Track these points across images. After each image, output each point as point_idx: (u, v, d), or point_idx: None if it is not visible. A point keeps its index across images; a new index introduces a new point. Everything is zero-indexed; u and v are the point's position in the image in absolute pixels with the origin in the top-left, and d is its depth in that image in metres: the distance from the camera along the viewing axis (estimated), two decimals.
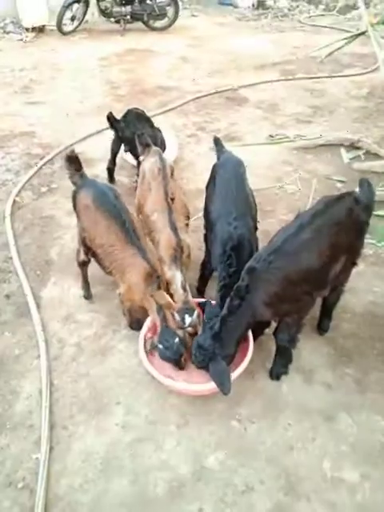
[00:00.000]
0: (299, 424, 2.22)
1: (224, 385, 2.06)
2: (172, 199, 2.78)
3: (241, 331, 2.22)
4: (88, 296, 2.90)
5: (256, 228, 2.77)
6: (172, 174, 2.92)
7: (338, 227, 2.23)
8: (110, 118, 3.68)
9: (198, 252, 3.11)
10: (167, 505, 1.93)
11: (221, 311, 2.23)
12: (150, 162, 2.96)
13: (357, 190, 2.43)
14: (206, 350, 2.14)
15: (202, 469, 2.05)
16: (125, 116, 3.74)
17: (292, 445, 2.14)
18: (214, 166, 2.92)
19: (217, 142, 3.16)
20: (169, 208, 2.72)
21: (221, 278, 2.43)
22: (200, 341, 2.18)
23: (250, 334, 2.40)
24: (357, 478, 2.00)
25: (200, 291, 2.91)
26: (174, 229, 2.66)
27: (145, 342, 2.43)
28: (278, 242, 2.20)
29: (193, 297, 2.60)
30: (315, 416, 2.25)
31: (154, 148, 3.09)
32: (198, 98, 5.68)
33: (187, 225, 2.97)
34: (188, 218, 3.02)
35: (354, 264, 2.45)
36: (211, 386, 2.16)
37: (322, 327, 2.65)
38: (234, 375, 2.25)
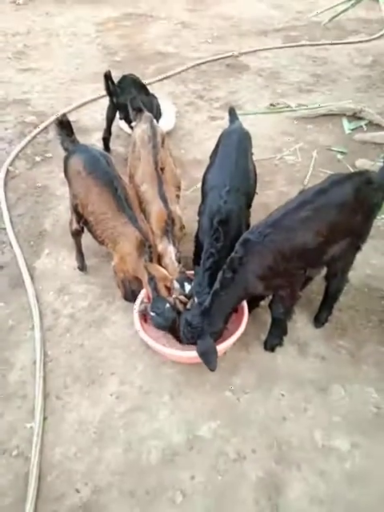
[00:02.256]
0: (292, 395, 2.23)
1: (211, 362, 2.05)
2: (162, 169, 2.69)
3: (232, 305, 2.19)
4: (82, 267, 2.87)
5: (250, 205, 2.70)
6: (163, 143, 2.81)
7: (341, 208, 2.13)
8: (108, 77, 3.52)
9: (195, 224, 3.05)
10: (160, 472, 1.96)
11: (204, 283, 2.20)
12: (140, 129, 2.86)
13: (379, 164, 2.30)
14: (195, 327, 2.11)
15: (194, 438, 2.07)
16: (120, 82, 3.61)
17: (284, 415, 2.15)
18: (220, 135, 2.83)
19: (231, 111, 3.07)
20: (159, 178, 2.64)
21: (207, 253, 2.34)
22: (188, 317, 2.15)
23: (244, 305, 2.39)
24: (347, 447, 2.03)
25: (196, 264, 2.87)
26: (165, 200, 2.59)
27: (140, 306, 2.43)
28: (276, 216, 2.15)
29: (187, 270, 2.57)
30: (308, 387, 2.26)
31: (146, 114, 2.98)
32: (197, 64, 5.49)
33: (178, 196, 2.89)
34: (179, 188, 2.94)
35: (358, 248, 2.33)
36: None
37: (318, 319, 2.54)
38: (227, 344, 2.25)
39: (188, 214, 3.28)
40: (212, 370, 2.06)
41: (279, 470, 1.96)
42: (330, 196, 2.14)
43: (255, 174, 2.79)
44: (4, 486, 1.92)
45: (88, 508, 1.85)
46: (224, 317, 2.17)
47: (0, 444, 2.05)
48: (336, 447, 2.03)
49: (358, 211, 2.18)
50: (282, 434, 2.09)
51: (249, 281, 2.11)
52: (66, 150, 2.67)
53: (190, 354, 2.26)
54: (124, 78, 3.67)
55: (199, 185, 3.46)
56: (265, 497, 1.88)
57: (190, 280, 2.41)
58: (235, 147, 2.65)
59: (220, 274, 2.13)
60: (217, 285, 2.13)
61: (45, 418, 2.13)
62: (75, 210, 2.65)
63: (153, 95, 3.81)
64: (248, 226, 2.71)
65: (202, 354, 2.08)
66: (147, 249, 2.37)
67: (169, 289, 2.37)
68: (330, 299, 2.50)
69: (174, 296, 2.32)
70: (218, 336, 2.20)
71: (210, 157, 2.83)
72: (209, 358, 2.06)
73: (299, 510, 1.85)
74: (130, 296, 2.61)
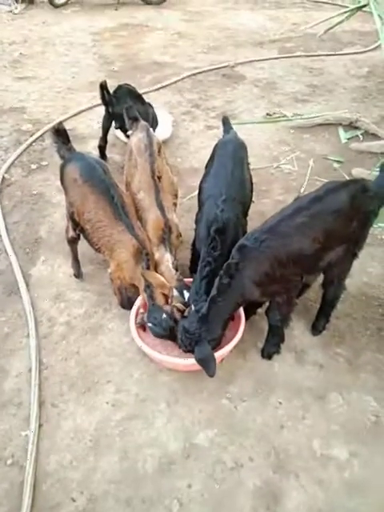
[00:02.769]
0: (290, 403, 2.21)
1: (210, 369, 2.04)
2: (159, 178, 2.70)
3: (229, 312, 2.18)
4: (78, 275, 2.86)
5: (246, 214, 2.70)
6: (159, 151, 2.82)
7: (337, 215, 2.14)
8: (103, 87, 3.54)
9: (192, 232, 3.06)
10: (157, 481, 1.93)
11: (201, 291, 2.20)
12: (136, 138, 2.87)
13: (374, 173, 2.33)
14: (192, 334, 2.10)
15: (191, 446, 2.05)
16: (115, 91, 3.64)
17: (282, 423, 2.14)
18: (216, 145, 2.84)
19: (225, 121, 3.08)
20: (155, 187, 2.64)
21: (204, 261, 2.34)
22: (185, 325, 2.13)
23: (241, 311, 2.38)
24: (346, 456, 2.01)
25: (193, 272, 2.87)
26: (162, 208, 2.60)
27: (136, 317, 2.42)
28: (272, 223, 2.15)
29: (184, 277, 2.56)
30: (306, 395, 2.25)
31: (142, 123, 2.99)
32: (193, 74, 5.54)
33: (175, 204, 2.89)
34: (176, 196, 2.94)
35: (354, 255, 2.33)
36: None
37: (316, 327, 2.52)
38: (225, 351, 2.24)
39: (185, 221, 3.29)
40: (211, 376, 2.05)
41: (277, 479, 1.94)
42: (326, 203, 2.15)
43: (251, 184, 2.80)
44: None
45: None
46: (222, 323, 2.16)
47: None
48: (334, 456, 2.02)
49: (353, 218, 2.19)
50: (280, 442, 2.07)
51: (245, 286, 2.11)
52: (62, 157, 2.67)
53: (187, 362, 2.25)
54: (119, 87, 3.70)
55: (195, 193, 3.48)
56: (263, 506, 1.86)
57: (188, 288, 2.40)
58: (231, 157, 2.67)
59: (217, 281, 2.13)
60: (214, 291, 2.13)
61: (40, 426, 2.10)
62: (71, 217, 2.64)
63: (149, 104, 3.84)
64: (244, 234, 2.71)
65: (200, 361, 2.06)
66: (144, 256, 2.36)
67: (166, 296, 2.36)
68: (327, 307, 2.50)
69: (171, 304, 2.31)
70: (217, 343, 2.19)
71: (206, 166, 2.84)
72: (208, 365, 2.05)
73: None
74: (127, 303, 2.60)
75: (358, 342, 2.50)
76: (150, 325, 2.27)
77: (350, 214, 2.18)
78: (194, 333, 2.10)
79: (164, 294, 2.34)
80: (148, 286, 2.33)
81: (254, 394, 2.25)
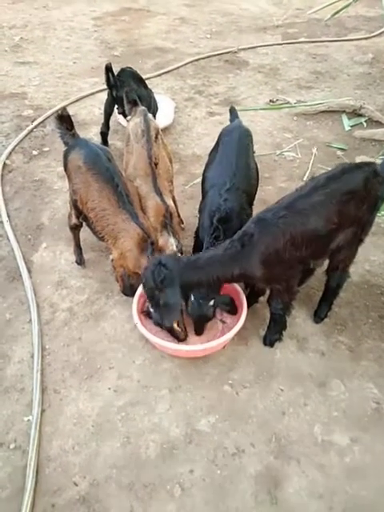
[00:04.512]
0: (291, 390, 2.22)
1: (170, 316, 2.00)
2: (156, 164, 2.67)
3: (218, 274, 2.03)
4: (80, 261, 2.85)
5: (251, 203, 2.67)
6: (156, 137, 2.78)
7: (351, 195, 2.10)
8: (109, 69, 3.46)
9: (194, 220, 3.04)
10: (158, 466, 1.95)
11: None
12: (134, 123, 2.83)
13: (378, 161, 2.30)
14: (169, 270, 1.94)
15: (193, 432, 2.06)
16: (119, 75, 3.58)
17: (284, 410, 2.14)
18: (221, 133, 2.80)
19: (232, 110, 3.05)
20: (153, 173, 2.62)
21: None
22: (163, 259, 2.00)
23: (244, 299, 2.38)
24: (347, 442, 2.02)
25: None
26: (160, 195, 2.58)
27: (139, 304, 2.41)
28: (289, 199, 2.10)
29: None
30: (308, 382, 2.25)
31: (141, 108, 2.94)
32: (196, 60, 5.46)
33: (171, 191, 2.86)
34: (172, 183, 2.91)
35: (360, 240, 2.31)
36: (203, 347, 2.18)
37: (318, 314, 2.52)
38: (227, 338, 2.24)
39: (187, 209, 3.28)
40: (167, 325, 2.03)
41: (278, 464, 1.96)
42: (342, 182, 2.11)
43: (257, 172, 2.76)
44: (2, 479, 1.90)
45: (86, 501, 1.83)
46: (202, 279, 2.02)
47: None
48: (335, 442, 2.03)
49: (364, 201, 2.16)
50: (281, 428, 2.08)
51: (251, 261, 2.02)
52: (66, 144, 2.63)
53: (189, 348, 2.26)
54: (122, 71, 3.64)
55: (197, 180, 3.47)
56: (264, 491, 1.87)
57: None
58: (235, 145, 2.62)
59: (226, 242, 2.05)
60: (218, 249, 2.05)
61: (42, 411, 2.11)
62: (75, 205, 2.61)
63: (150, 90, 3.79)
64: None
65: (164, 305, 1.97)
66: (150, 245, 2.33)
67: None
68: (330, 295, 2.49)
69: None
70: (185, 296, 2.08)
71: (210, 154, 2.81)
72: (170, 311, 1.97)
73: (298, 504, 1.84)
74: (129, 290, 2.59)
75: (359, 329, 2.50)
76: (152, 311, 2.25)
77: (363, 196, 2.15)
78: (172, 270, 1.95)
79: None
80: None
81: (256, 380, 2.26)
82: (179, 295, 1.99)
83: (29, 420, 2.07)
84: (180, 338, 2.30)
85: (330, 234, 2.14)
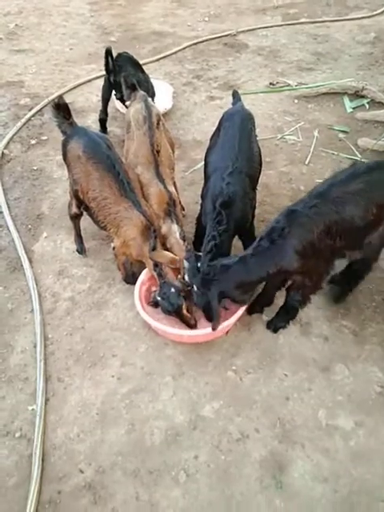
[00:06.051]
0: (295, 375, 2.22)
1: (214, 318, 2.02)
2: (158, 151, 2.63)
3: (253, 277, 2.03)
4: (81, 250, 2.83)
5: (255, 187, 2.63)
6: (158, 123, 2.74)
7: None
8: (109, 53, 3.41)
9: (195, 206, 3.01)
10: (163, 452, 1.96)
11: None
12: (134, 109, 2.77)
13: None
14: (207, 274, 1.98)
15: (197, 418, 2.06)
16: (116, 60, 3.51)
17: (288, 395, 2.14)
18: (222, 117, 2.75)
19: (235, 94, 2.99)
20: (155, 161, 2.57)
21: (209, 235, 2.28)
22: (204, 267, 2.05)
23: None
24: (351, 426, 2.02)
25: (197, 247, 2.83)
26: (163, 182, 2.55)
27: (141, 292, 2.41)
28: (323, 187, 2.01)
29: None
30: (311, 367, 2.25)
31: (141, 93, 2.89)
32: (194, 44, 5.36)
33: (173, 177, 2.82)
34: (173, 170, 2.87)
35: None
36: (204, 331, 2.17)
37: (339, 299, 2.48)
38: (230, 323, 2.23)
39: (188, 195, 3.24)
40: (213, 329, 2.04)
41: (283, 449, 1.96)
42: (382, 173, 2.03)
43: (260, 156, 2.71)
44: (9, 467, 1.92)
45: (92, 488, 1.85)
46: (238, 283, 2.02)
47: (3, 426, 2.04)
48: (340, 426, 2.03)
49: None
50: (286, 413, 2.08)
51: (286, 255, 1.95)
52: (64, 133, 2.58)
53: (192, 333, 2.25)
54: (119, 55, 3.57)
55: (198, 166, 3.43)
56: (268, 475, 1.88)
57: (199, 257, 2.35)
58: (238, 128, 2.57)
59: (256, 242, 2.02)
60: (249, 250, 2.02)
61: (47, 400, 2.12)
62: (75, 195, 2.57)
63: (146, 75, 3.72)
64: (253, 207, 2.66)
65: (207, 305, 2.02)
66: (152, 234, 2.31)
67: (177, 269, 2.32)
68: (352, 283, 2.45)
69: (182, 276, 2.27)
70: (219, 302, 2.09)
71: (211, 139, 2.76)
72: (213, 313, 2.01)
73: (303, 488, 1.85)
74: (131, 278, 2.58)
75: (363, 313, 2.48)
76: (158, 299, 2.26)
77: None
78: (210, 273, 1.99)
79: (175, 269, 2.30)
80: (156, 265, 2.30)
81: (260, 366, 2.25)
82: (216, 300, 2.01)
83: (33, 409, 2.08)
84: (190, 324, 2.28)
85: (368, 227, 2.04)
